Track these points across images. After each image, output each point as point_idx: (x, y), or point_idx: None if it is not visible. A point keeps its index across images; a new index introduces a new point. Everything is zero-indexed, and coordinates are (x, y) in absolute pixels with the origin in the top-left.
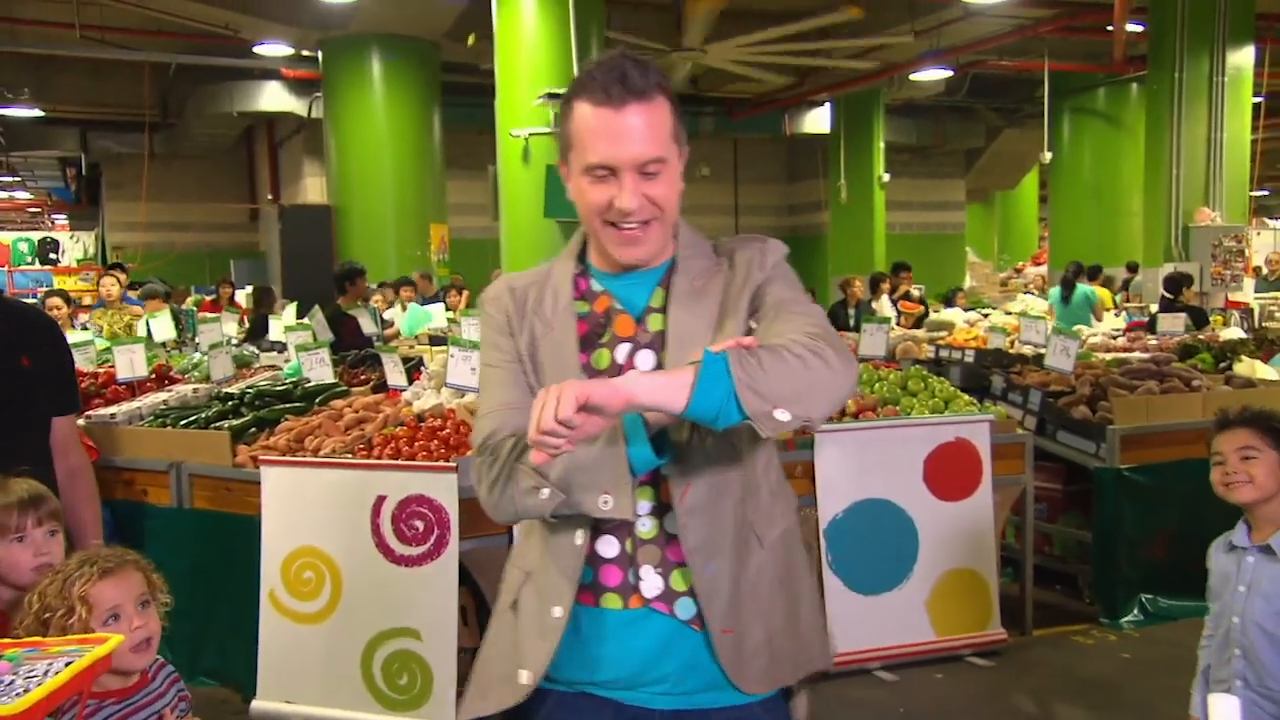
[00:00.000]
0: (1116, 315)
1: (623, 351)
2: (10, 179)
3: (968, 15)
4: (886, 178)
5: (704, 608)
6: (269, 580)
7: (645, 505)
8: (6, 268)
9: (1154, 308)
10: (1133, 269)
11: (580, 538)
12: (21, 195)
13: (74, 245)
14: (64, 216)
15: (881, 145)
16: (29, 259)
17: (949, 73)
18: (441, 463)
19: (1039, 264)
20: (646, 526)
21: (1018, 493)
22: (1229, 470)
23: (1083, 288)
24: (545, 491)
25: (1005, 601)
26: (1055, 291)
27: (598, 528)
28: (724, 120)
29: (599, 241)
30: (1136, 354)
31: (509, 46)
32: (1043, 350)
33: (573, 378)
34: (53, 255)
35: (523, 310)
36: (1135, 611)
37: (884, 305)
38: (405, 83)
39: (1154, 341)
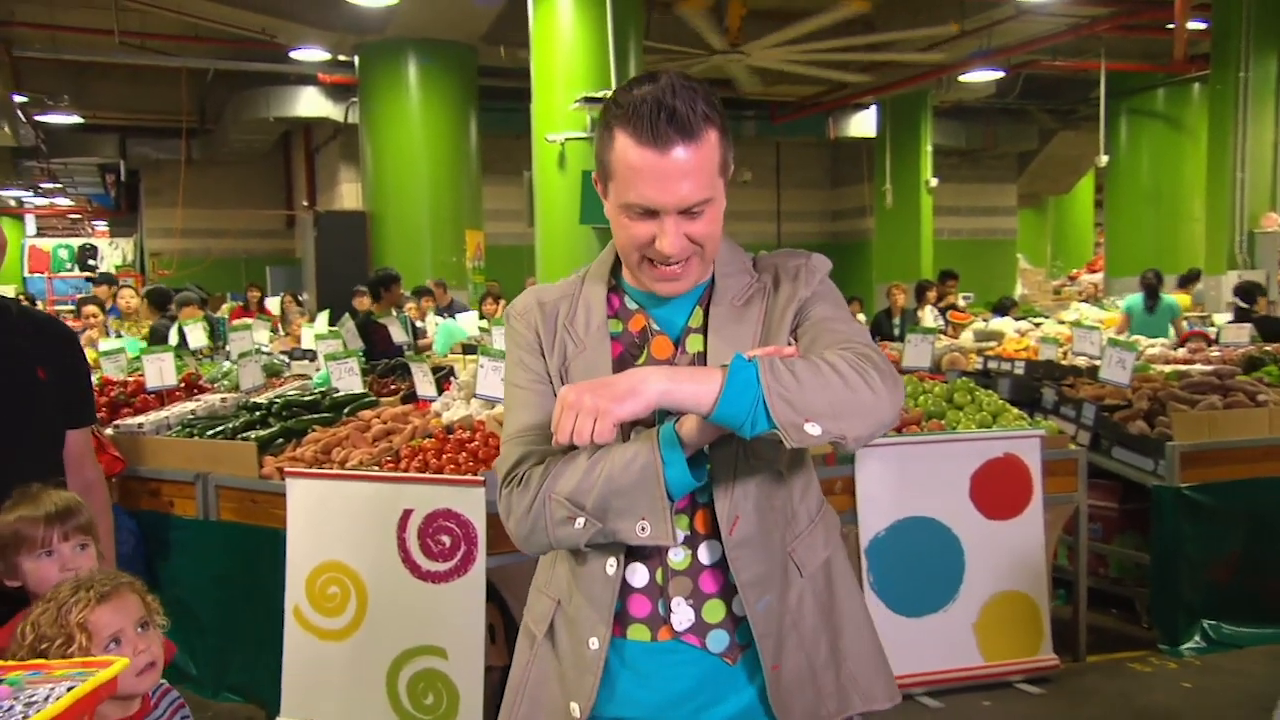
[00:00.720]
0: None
1: None
2: (51, 185)
3: (1020, 14)
4: (934, 182)
5: (759, 645)
6: (293, 595)
7: (679, 534)
8: (47, 274)
9: (1219, 318)
10: (1193, 277)
11: (613, 566)
12: (63, 202)
13: (113, 251)
14: (104, 223)
15: (929, 149)
16: (69, 265)
17: (1000, 74)
18: (469, 476)
19: (1094, 271)
20: (679, 556)
21: (1070, 511)
22: None
23: (1167, 297)
24: (580, 521)
25: (1057, 626)
26: (1136, 299)
27: (629, 555)
28: (766, 124)
29: (638, 275)
30: (1198, 366)
31: (545, 49)
32: (1097, 362)
33: None
34: (91, 261)
35: (553, 326)
36: (1197, 638)
37: (928, 315)
38: (442, 87)
39: (1217, 353)
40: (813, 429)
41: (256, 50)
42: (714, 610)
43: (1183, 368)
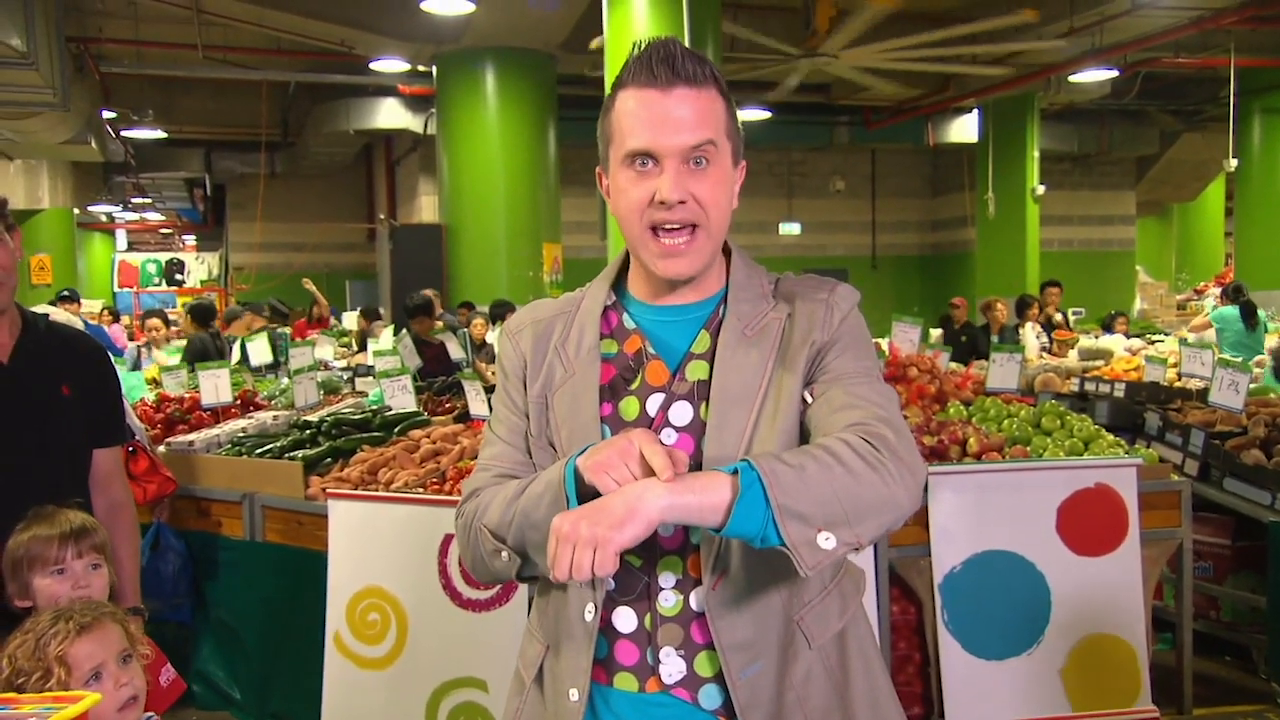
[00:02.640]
0: None
1: (655, 403)
2: (141, 200)
3: (1134, 9)
4: (1041, 190)
5: (741, 717)
6: (334, 621)
7: (670, 578)
8: (134, 288)
9: None
10: None
11: (590, 612)
12: (153, 216)
13: (199, 266)
14: (193, 237)
15: (1036, 154)
16: (156, 280)
17: (1114, 73)
18: None
19: (1223, 284)
20: (670, 602)
21: (1173, 548)
22: None
23: (1262, 313)
24: (505, 554)
25: (1160, 674)
26: (1230, 311)
27: (612, 598)
28: (860, 130)
29: (639, 257)
30: None
31: (619, 55)
32: (1208, 384)
33: (589, 431)
34: (178, 276)
35: (544, 349)
36: None
37: (1029, 332)
38: (519, 96)
39: None
40: (826, 542)
41: (336, 62)
42: (706, 663)
43: None
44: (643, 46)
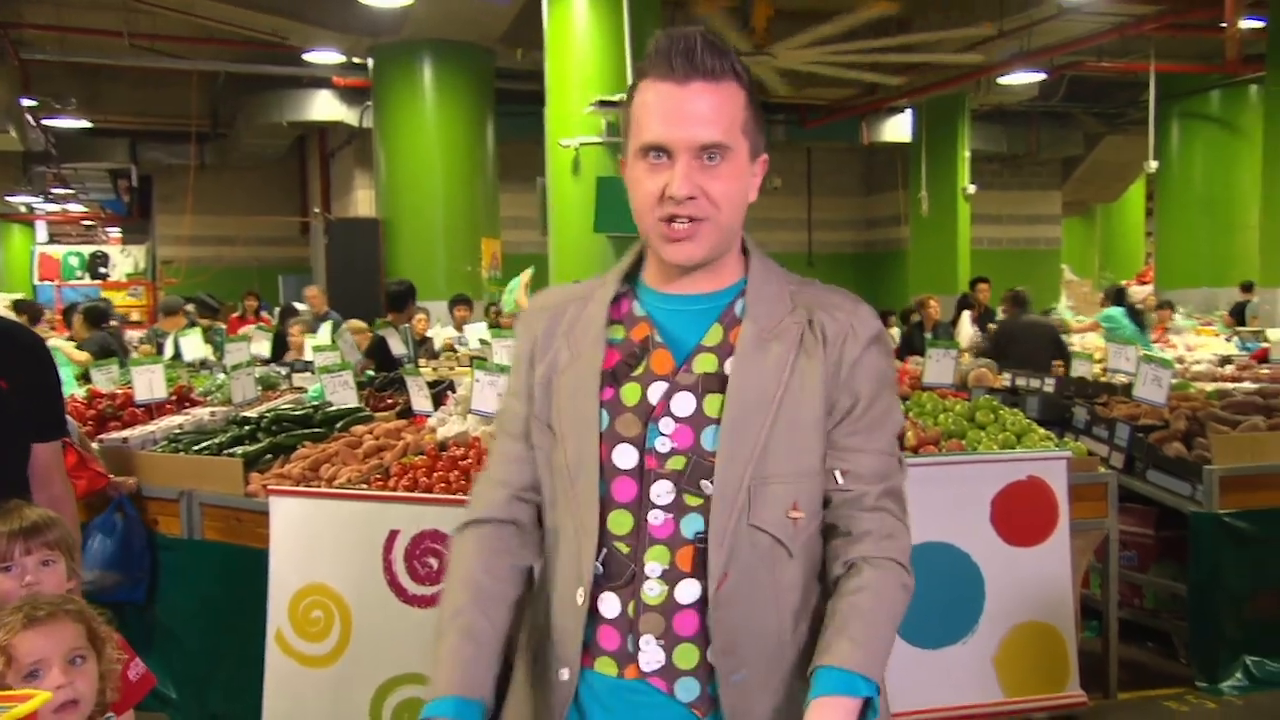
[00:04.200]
0: (1227, 341)
1: (657, 391)
2: (63, 191)
3: (1061, 14)
4: (972, 189)
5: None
6: (276, 619)
7: (656, 567)
8: (56, 282)
9: (1273, 333)
10: (1247, 289)
11: (581, 596)
12: (75, 208)
13: (124, 259)
14: (117, 230)
15: (967, 154)
16: (79, 273)
17: (1042, 76)
18: (458, 496)
19: (1145, 282)
20: (655, 591)
21: (1100, 538)
22: None
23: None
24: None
25: (1087, 660)
26: (1115, 311)
27: (599, 583)
28: (796, 128)
29: (650, 244)
30: (1245, 384)
31: (559, 52)
32: (1133, 379)
33: (589, 414)
34: (103, 269)
35: (553, 332)
36: (1238, 675)
37: (964, 327)
38: (458, 90)
39: (1265, 371)
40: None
41: (269, 53)
42: (687, 655)
43: (1229, 386)
44: (664, 36)
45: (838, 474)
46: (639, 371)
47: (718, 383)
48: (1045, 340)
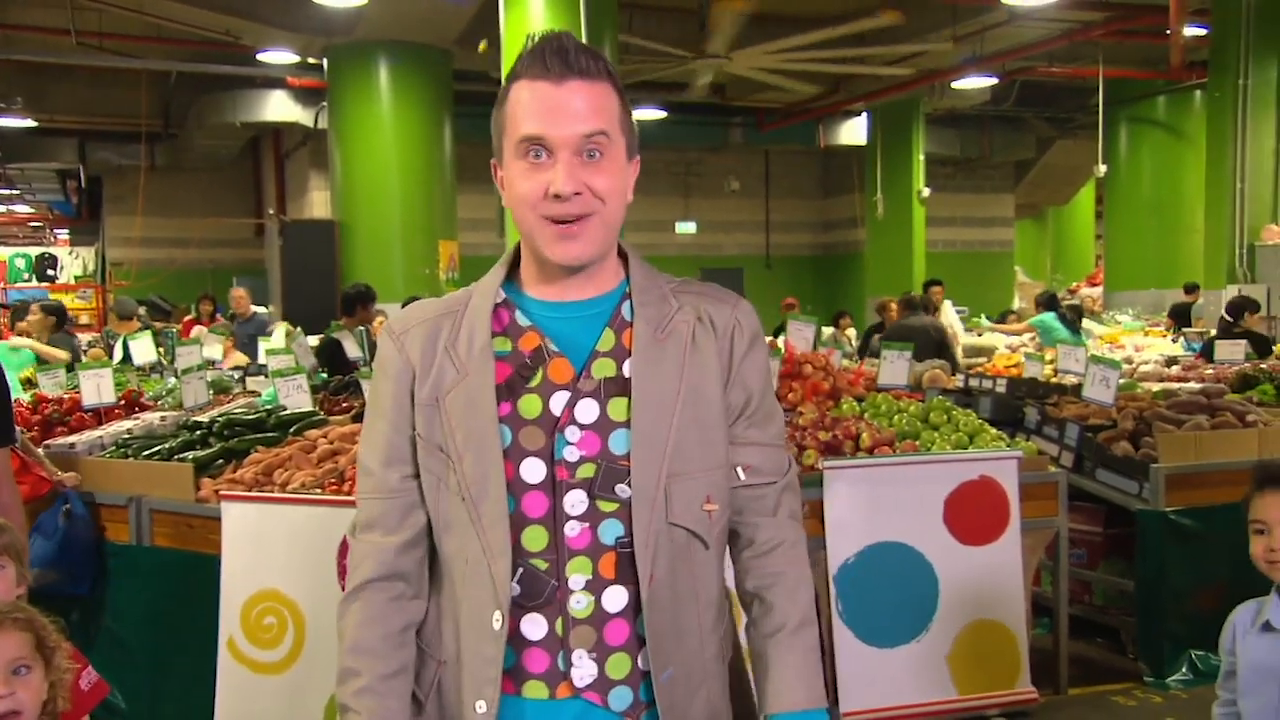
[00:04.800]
0: (1173, 341)
1: (559, 401)
2: (8, 192)
3: (1013, 20)
4: (927, 192)
5: (663, 717)
6: (228, 626)
7: (580, 579)
8: (2, 284)
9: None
10: (1190, 291)
11: (498, 621)
12: (21, 209)
13: (73, 261)
14: (65, 231)
15: (921, 158)
16: (26, 275)
17: (994, 80)
18: None
19: (1095, 284)
20: (581, 604)
21: (1051, 536)
22: (1274, 545)
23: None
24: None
25: (1038, 656)
26: (1048, 317)
27: (519, 604)
28: (753, 132)
29: (533, 246)
30: (1190, 384)
31: (516, 53)
32: (1082, 380)
33: (487, 431)
34: (50, 272)
35: (432, 350)
36: (1184, 670)
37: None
38: (414, 92)
39: (1210, 371)
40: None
41: (221, 52)
42: (619, 665)
43: (1174, 386)
44: (536, 39)
45: (739, 470)
46: (535, 383)
47: (618, 386)
48: (930, 341)
